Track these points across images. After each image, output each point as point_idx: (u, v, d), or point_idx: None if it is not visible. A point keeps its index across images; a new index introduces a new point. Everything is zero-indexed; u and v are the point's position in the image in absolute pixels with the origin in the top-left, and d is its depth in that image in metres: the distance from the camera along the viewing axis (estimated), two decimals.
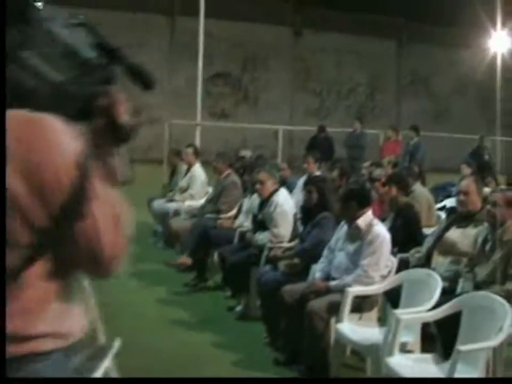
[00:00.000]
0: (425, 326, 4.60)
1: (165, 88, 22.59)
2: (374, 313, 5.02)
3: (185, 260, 7.50)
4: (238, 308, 6.63)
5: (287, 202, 6.61)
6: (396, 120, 23.10)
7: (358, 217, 5.14)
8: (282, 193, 6.71)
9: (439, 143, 18.96)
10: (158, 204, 9.87)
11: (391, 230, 6.18)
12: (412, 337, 4.46)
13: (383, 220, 6.42)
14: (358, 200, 5.15)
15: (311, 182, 6.00)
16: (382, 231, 5.10)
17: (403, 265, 5.64)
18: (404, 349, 4.36)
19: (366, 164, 8.37)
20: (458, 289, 4.92)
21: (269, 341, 5.69)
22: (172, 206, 9.53)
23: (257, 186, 6.72)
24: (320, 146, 13.04)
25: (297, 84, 23.93)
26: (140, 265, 8.55)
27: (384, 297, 5.28)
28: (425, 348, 4.51)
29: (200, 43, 13.86)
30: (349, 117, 20.22)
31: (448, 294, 4.75)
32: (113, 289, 7.40)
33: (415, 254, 5.69)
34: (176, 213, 9.35)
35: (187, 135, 14.76)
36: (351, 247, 5.14)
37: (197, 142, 14.19)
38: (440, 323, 4.44)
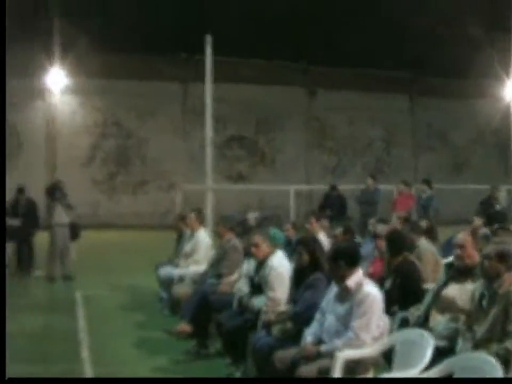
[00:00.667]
0: None
1: (180, 154, 22.83)
2: (369, 376, 4.75)
3: (185, 327, 7.30)
4: (237, 375, 6.37)
5: (282, 265, 6.42)
6: (414, 173, 22.94)
7: (347, 277, 4.93)
8: (278, 256, 6.53)
9: (456, 195, 18.70)
10: (164, 270, 9.73)
11: (392, 288, 6.00)
12: None
13: (385, 278, 6.23)
14: (346, 259, 4.95)
15: (301, 243, 5.81)
16: (372, 290, 4.87)
17: (404, 324, 5.43)
18: None
19: (372, 220, 8.17)
20: (458, 349, 4.67)
21: None
22: (177, 272, 9.38)
23: (252, 249, 6.57)
24: (332, 205, 12.90)
25: (313, 142, 23.99)
26: (143, 333, 8.43)
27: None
28: None
29: (208, 107, 13.91)
30: (366, 173, 20.06)
31: (447, 352, 4.52)
32: (116, 360, 7.30)
33: (414, 312, 5.45)
34: (181, 279, 9.19)
35: (202, 199, 14.70)
36: (341, 309, 4.92)
37: (209, 205, 14.15)
38: None
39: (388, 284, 6.16)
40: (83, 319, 9.14)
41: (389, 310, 5.71)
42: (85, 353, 7.42)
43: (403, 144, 24.61)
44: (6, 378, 2.16)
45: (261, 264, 6.51)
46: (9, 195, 13.36)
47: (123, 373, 6.81)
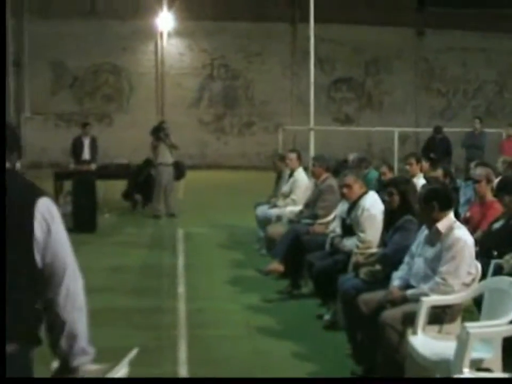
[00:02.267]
0: None
1: (288, 95, 22.69)
2: (455, 325, 4.57)
3: (277, 266, 7.30)
4: (326, 317, 6.35)
5: (375, 206, 6.25)
6: None
7: (439, 220, 4.72)
8: (371, 197, 6.36)
9: None
10: (261, 209, 9.77)
11: (501, 231, 5.72)
12: (490, 354, 4.01)
13: (494, 221, 5.96)
14: (438, 201, 4.73)
15: (393, 184, 5.61)
16: (463, 235, 4.65)
17: (498, 272, 5.19)
18: (480, 367, 3.93)
19: (473, 163, 7.80)
20: None
21: (350, 353, 5.38)
22: (274, 211, 9.38)
23: (344, 190, 6.43)
24: (437, 148, 12.45)
25: (422, 85, 23.14)
26: (239, 271, 8.55)
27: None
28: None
29: (311, 48, 13.60)
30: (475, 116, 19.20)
31: None
32: (208, 295, 7.46)
33: (509, 259, 5.18)
34: (278, 218, 9.19)
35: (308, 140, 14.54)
36: (430, 252, 4.73)
37: (311, 147, 14.01)
38: None
39: (496, 225, 5.88)
40: (182, 256, 9.38)
41: (489, 253, 5.49)
42: (180, 289, 7.62)
43: None
44: (6, 378, 2.18)
45: (354, 205, 6.38)
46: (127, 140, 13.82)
47: (215, 309, 6.97)
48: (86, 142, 13.50)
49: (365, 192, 6.39)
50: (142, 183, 13.05)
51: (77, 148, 13.45)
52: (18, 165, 2.88)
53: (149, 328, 6.20)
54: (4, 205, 2.36)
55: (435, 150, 12.15)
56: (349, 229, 6.42)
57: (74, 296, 2.52)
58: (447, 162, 9.84)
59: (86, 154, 13.34)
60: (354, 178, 6.36)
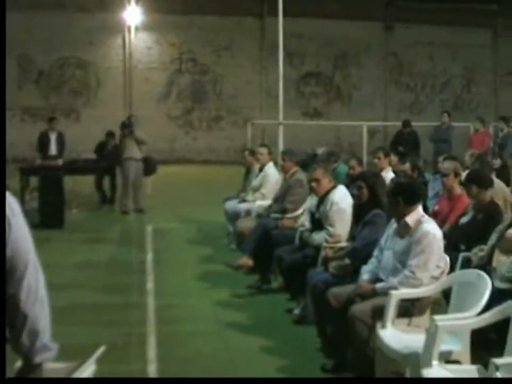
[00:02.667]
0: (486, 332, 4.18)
1: (256, 89, 22.66)
2: (424, 318, 4.59)
3: (246, 261, 7.28)
4: (296, 311, 6.35)
5: (344, 200, 6.25)
6: (494, 112, 21.97)
7: (407, 214, 4.74)
8: (340, 191, 6.36)
9: None
10: (230, 204, 9.74)
11: (469, 224, 5.77)
12: (459, 346, 4.03)
13: (462, 215, 6.00)
14: (404, 196, 4.74)
15: (361, 178, 5.62)
16: (432, 228, 4.66)
17: (466, 265, 5.23)
18: (449, 359, 3.95)
19: (441, 157, 7.86)
20: None
21: (320, 347, 5.39)
22: (243, 206, 9.36)
23: (313, 184, 6.42)
24: (405, 142, 12.55)
25: (390, 79, 23.29)
26: (208, 266, 8.52)
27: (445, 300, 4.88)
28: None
29: (280, 43, 13.62)
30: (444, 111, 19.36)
31: (509, 295, 4.30)
32: (177, 291, 7.41)
33: (478, 252, 5.23)
34: (247, 213, 9.17)
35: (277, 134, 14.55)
36: (398, 246, 4.75)
37: (280, 141, 14.04)
38: (498, 329, 4.02)
39: (464, 219, 5.93)
40: (151, 251, 9.31)
41: (457, 246, 5.53)
42: (149, 285, 7.55)
43: (483, 81, 23.53)
44: (6, 378, 2.16)
45: (322, 199, 6.37)
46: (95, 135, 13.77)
47: (184, 304, 6.92)
48: (53, 137, 13.35)
49: (334, 186, 6.39)
50: (107, 155, 13.05)
51: (43, 143, 13.29)
52: None
53: (117, 325, 6.14)
54: (4, 204, 2.34)
55: (403, 143, 12.24)
56: (318, 223, 6.41)
57: (36, 291, 2.49)
58: (416, 156, 9.87)
59: (53, 150, 13.19)
60: (323, 172, 6.35)
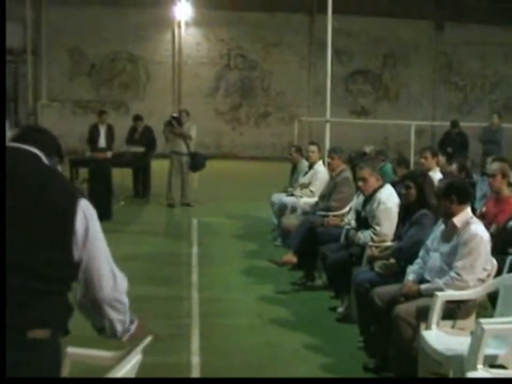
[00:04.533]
0: None
1: (305, 86, 22.64)
2: (470, 321, 4.55)
3: (291, 257, 7.29)
4: (340, 309, 6.35)
5: (390, 199, 6.21)
6: None
7: (456, 214, 4.70)
8: (387, 190, 6.32)
9: None
10: (277, 197, 9.78)
11: None
12: (504, 350, 3.98)
13: (510, 218, 5.92)
14: (457, 194, 4.70)
15: (410, 177, 5.58)
16: (479, 230, 4.62)
17: None
18: (493, 363, 3.90)
19: (490, 158, 7.73)
20: None
21: (362, 346, 5.38)
22: (290, 200, 9.37)
23: (360, 183, 6.40)
24: (453, 142, 12.40)
25: (439, 78, 23.02)
26: (253, 261, 8.55)
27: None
28: None
29: (329, 40, 13.51)
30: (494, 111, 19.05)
31: None
32: (222, 286, 7.47)
33: None
34: (293, 209, 9.18)
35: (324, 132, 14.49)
36: (445, 247, 4.71)
37: (327, 138, 13.97)
38: None
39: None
40: (196, 245, 9.39)
41: (504, 250, 5.45)
42: (194, 278, 7.63)
43: None
44: (6, 378, 2.25)
45: (369, 198, 6.35)
46: None
47: (228, 298, 6.98)
48: (103, 130, 13.54)
49: (381, 185, 6.36)
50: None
51: (93, 135, 13.50)
52: (60, 169, 2.96)
53: (162, 317, 6.20)
54: (4, 205, 2.39)
55: (452, 144, 12.08)
56: (364, 221, 6.39)
57: (114, 302, 2.61)
58: (464, 157, 9.74)
59: (102, 142, 13.39)
60: (370, 171, 6.32)
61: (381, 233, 6.11)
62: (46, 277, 2.41)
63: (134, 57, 22.02)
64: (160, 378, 4.40)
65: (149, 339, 2.90)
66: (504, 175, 6.44)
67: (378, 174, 6.38)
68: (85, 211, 2.51)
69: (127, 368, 2.69)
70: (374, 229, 6.16)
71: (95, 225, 2.54)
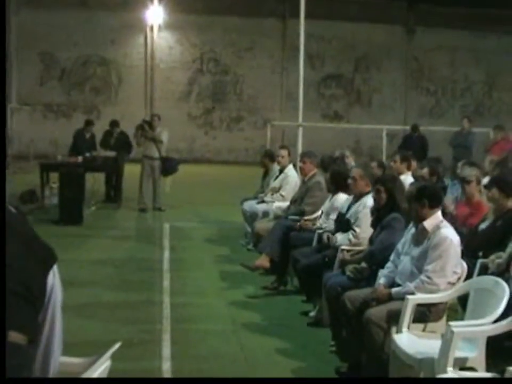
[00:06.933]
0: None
1: (277, 91, 22.67)
2: (440, 324, 4.58)
3: (263, 262, 7.29)
4: (312, 313, 6.35)
5: None
6: None
7: (426, 218, 4.72)
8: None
9: None
10: (249, 204, 9.75)
11: (488, 231, 5.72)
12: (474, 353, 4.01)
13: (481, 222, 5.97)
14: (429, 198, 4.73)
15: (380, 181, 5.60)
16: (450, 233, 4.65)
17: (484, 271, 5.20)
18: (464, 366, 3.93)
19: (460, 163, 7.82)
20: None
21: (335, 350, 5.39)
22: (261, 207, 9.38)
23: (350, 181, 6.40)
24: (413, 146, 12.58)
25: (411, 83, 23.21)
26: (225, 266, 8.51)
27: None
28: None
29: (301, 44, 13.57)
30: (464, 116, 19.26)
31: None
32: (194, 291, 7.43)
33: (495, 259, 5.19)
34: (265, 214, 9.18)
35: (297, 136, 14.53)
36: (416, 251, 4.74)
37: (299, 143, 14.00)
38: None
39: (483, 225, 5.89)
40: (169, 250, 9.34)
41: (474, 254, 5.49)
42: (166, 283, 7.58)
43: (505, 87, 23.34)
44: (6, 378, 2.18)
45: (356, 201, 6.35)
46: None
47: (200, 303, 6.94)
48: (87, 137, 13.56)
49: (369, 191, 6.32)
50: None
51: (78, 141, 13.42)
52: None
53: (133, 322, 6.16)
54: (4, 205, 2.34)
55: (412, 147, 12.18)
56: (346, 224, 6.37)
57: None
58: (435, 160, 9.79)
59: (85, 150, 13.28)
60: (360, 174, 6.33)
61: (359, 236, 6.13)
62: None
63: (105, 61, 21.88)
64: (132, 379, 4.36)
65: (117, 345, 2.87)
66: (479, 181, 6.55)
67: (368, 180, 6.34)
68: (55, 272, 2.38)
69: (95, 375, 2.66)
70: (354, 230, 6.18)
71: (58, 287, 2.42)
